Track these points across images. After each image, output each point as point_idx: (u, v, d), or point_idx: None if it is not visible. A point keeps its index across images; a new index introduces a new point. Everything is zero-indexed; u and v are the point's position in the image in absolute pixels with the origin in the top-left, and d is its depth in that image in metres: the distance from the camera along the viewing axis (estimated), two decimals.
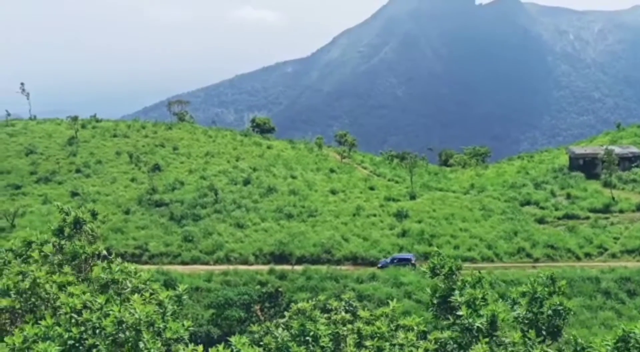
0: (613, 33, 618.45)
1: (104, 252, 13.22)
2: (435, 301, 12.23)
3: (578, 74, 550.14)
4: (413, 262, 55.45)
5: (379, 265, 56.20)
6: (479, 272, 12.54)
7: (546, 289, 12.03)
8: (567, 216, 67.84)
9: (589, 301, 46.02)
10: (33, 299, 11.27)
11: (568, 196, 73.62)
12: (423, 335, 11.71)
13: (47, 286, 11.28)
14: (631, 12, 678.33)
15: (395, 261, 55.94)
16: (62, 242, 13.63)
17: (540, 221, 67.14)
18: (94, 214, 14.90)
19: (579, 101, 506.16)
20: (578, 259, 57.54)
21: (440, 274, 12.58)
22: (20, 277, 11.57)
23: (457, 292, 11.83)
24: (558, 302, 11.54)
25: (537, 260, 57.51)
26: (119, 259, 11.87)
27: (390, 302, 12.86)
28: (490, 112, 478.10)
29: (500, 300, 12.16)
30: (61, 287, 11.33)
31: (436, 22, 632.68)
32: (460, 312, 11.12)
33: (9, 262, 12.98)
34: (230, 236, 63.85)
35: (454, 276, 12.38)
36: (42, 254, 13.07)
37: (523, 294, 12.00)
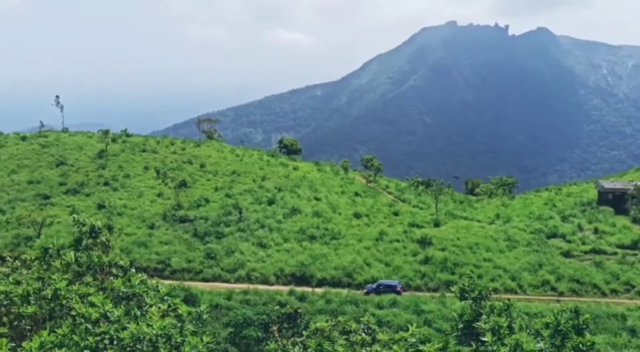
0: None
1: (121, 262, 13.32)
2: (460, 326, 12.02)
3: (610, 108, 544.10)
4: (398, 289, 55.11)
5: (365, 290, 55.80)
6: (508, 300, 12.32)
7: (570, 322, 11.77)
8: (594, 250, 66.56)
9: (614, 339, 44.87)
10: (52, 306, 11.36)
11: (596, 231, 72.34)
12: None
13: (67, 295, 11.36)
14: None
15: (381, 287, 55.59)
16: (79, 254, 13.77)
17: (566, 254, 65.94)
18: (110, 228, 15.03)
19: (610, 136, 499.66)
20: (604, 295, 56.34)
21: (468, 298, 12.39)
22: (39, 283, 11.67)
23: (484, 317, 11.63)
24: (581, 342, 11.24)
25: (561, 294, 56.43)
26: (136, 272, 11.93)
27: (409, 326, 12.71)
28: (520, 144, 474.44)
29: (526, 331, 11.93)
30: (82, 297, 11.41)
31: (468, 52, 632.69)
32: (484, 339, 10.92)
33: (29, 267, 13.11)
34: (253, 255, 63.91)
35: (482, 301, 12.18)
36: (64, 262, 13.19)
37: (546, 326, 11.74)
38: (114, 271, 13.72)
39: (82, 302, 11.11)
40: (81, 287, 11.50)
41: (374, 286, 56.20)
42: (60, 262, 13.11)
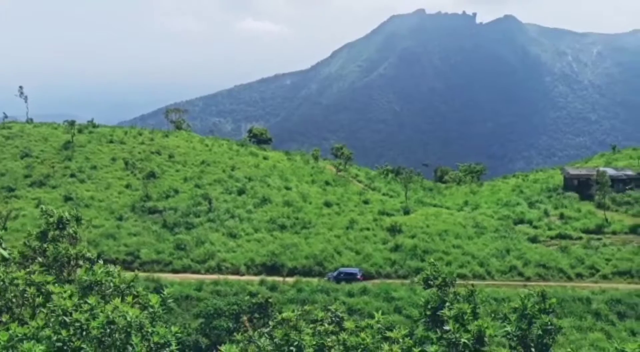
0: (612, 56, 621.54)
1: (88, 254, 13.17)
2: (427, 313, 12.12)
3: (575, 95, 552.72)
4: (358, 277, 55.70)
5: (326, 278, 56.27)
6: (472, 285, 12.46)
7: (536, 306, 11.97)
8: (560, 235, 67.88)
9: (579, 322, 45.92)
10: (9, 297, 11.16)
11: (561, 216, 73.76)
12: (409, 349, 11.61)
13: (23, 285, 11.18)
14: (630, 36, 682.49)
15: (341, 274, 56.11)
16: (45, 245, 13.56)
17: (533, 239, 67.13)
18: (78, 219, 14.85)
19: (576, 122, 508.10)
20: (569, 279, 57.56)
21: (433, 285, 12.50)
22: None
23: (448, 304, 11.75)
24: (548, 321, 11.47)
25: (528, 279, 57.46)
26: (101, 261, 11.81)
27: (375, 313, 12.78)
28: (488, 131, 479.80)
29: (492, 316, 12.09)
30: (39, 287, 11.24)
31: (437, 40, 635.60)
32: (447, 327, 11.04)
33: None
34: (223, 245, 63.71)
35: (447, 288, 12.29)
36: (19, 253, 12.99)
37: (514, 310, 11.91)
38: (80, 263, 13.56)
39: (39, 292, 10.95)
40: (40, 276, 11.33)
41: (335, 273, 56.63)
42: (17, 253, 12.91)
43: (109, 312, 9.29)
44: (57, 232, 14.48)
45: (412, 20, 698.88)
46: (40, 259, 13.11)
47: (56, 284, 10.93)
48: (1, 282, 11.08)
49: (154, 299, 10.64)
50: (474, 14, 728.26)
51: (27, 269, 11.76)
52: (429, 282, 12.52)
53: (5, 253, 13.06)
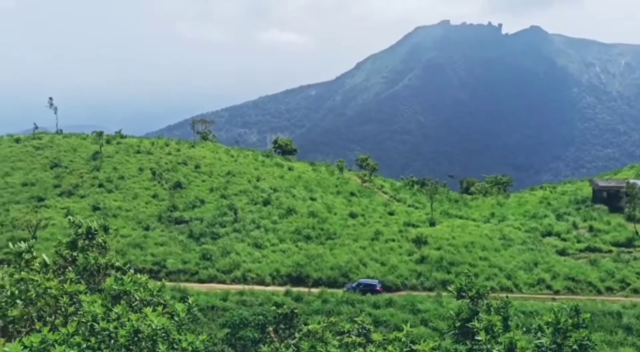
0: None
1: (117, 263, 13.28)
2: (457, 324, 12.02)
3: (604, 106, 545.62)
4: (378, 288, 55.31)
5: (344, 289, 55.92)
6: (507, 297, 12.33)
7: (569, 320, 11.79)
8: (589, 248, 66.79)
9: (610, 336, 45.05)
10: (39, 305, 11.30)
11: (590, 229, 72.57)
12: None
13: (56, 293, 11.30)
14: None
15: (361, 286, 55.70)
16: (75, 254, 13.71)
17: (562, 252, 66.14)
18: (105, 228, 14.99)
19: (604, 134, 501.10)
20: (599, 293, 56.53)
21: (466, 296, 12.40)
22: (22, 285, 11.57)
23: (480, 315, 11.64)
24: (585, 336, 11.29)
25: (557, 292, 56.59)
26: (132, 271, 11.90)
27: (404, 326, 12.69)
28: (514, 142, 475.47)
29: (524, 329, 11.95)
30: (72, 296, 11.35)
31: (462, 51, 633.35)
32: (478, 338, 10.92)
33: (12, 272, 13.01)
34: (248, 255, 63.87)
35: (480, 300, 12.19)
36: (41, 262, 13.13)
37: (547, 324, 11.76)
38: (111, 272, 13.69)
39: (72, 301, 11.06)
40: (71, 285, 11.45)
41: (354, 284, 56.37)
42: (39, 263, 13.06)
43: (134, 321, 9.36)
44: (86, 241, 14.62)
45: (437, 31, 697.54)
46: (71, 268, 13.25)
47: (87, 293, 11.04)
48: (35, 291, 11.23)
49: (179, 307, 10.69)
50: (500, 25, 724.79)
51: (61, 278, 11.90)
52: (462, 293, 12.40)
53: (47, 259, 13.25)
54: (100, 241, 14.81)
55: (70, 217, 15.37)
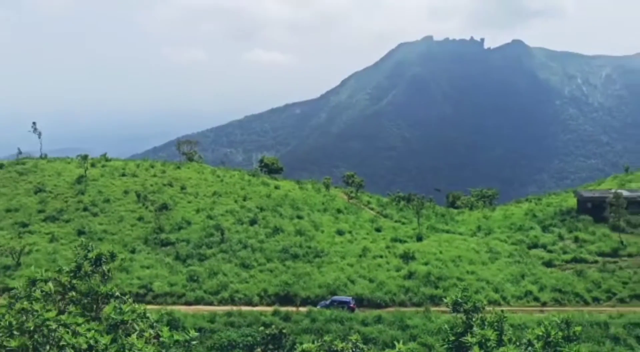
0: (621, 78, 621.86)
1: (117, 293, 13.22)
2: (451, 339, 12.02)
3: (586, 117, 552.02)
4: (351, 305, 55.15)
5: (318, 306, 55.68)
6: (502, 311, 12.36)
7: (560, 333, 11.84)
8: (575, 259, 67.26)
9: (598, 347, 45.17)
10: (36, 337, 11.23)
11: (576, 240, 73.10)
12: None
13: (53, 325, 11.23)
14: (638, 58, 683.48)
15: (334, 303, 55.48)
16: (76, 281, 13.62)
17: (548, 264, 66.53)
18: (112, 255, 14.93)
19: (587, 145, 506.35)
20: (586, 303, 56.83)
21: (461, 310, 12.42)
22: (22, 315, 11.52)
23: (474, 329, 11.65)
24: (576, 350, 11.34)
25: (544, 304, 56.79)
26: (130, 300, 11.84)
27: (396, 343, 12.68)
28: (499, 155, 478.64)
29: (515, 343, 11.97)
30: (69, 327, 11.28)
31: (445, 66, 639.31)
32: None
33: (15, 301, 12.94)
34: (236, 276, 63.54)
35: (475, 314, 12.21)
36: (43, 292, 13.06)
37: (537, 337, 11.79)
38: (111, 301, 13.60)
39: (69, 332, 11.00)
40: (69, 317, 11.39)
41: (327, 302, 56.13)
42: (40, 292, 12.98)
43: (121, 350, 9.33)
44: (91, 268, 14.55)
45: (421, 47, 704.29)
46: (71, 294, 13.18)
47: (82, 325, 10.97)
48: (34, 322, 11.15)
49: (165, 334, 10.62)
50: (482, 40, 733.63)
51: (58, 307, 11.83)
52: (457, 307, 12.44)
53: (52, 287, 13.17)
54: (105, 268, 14.74)
55: (82, 239, 15.35)
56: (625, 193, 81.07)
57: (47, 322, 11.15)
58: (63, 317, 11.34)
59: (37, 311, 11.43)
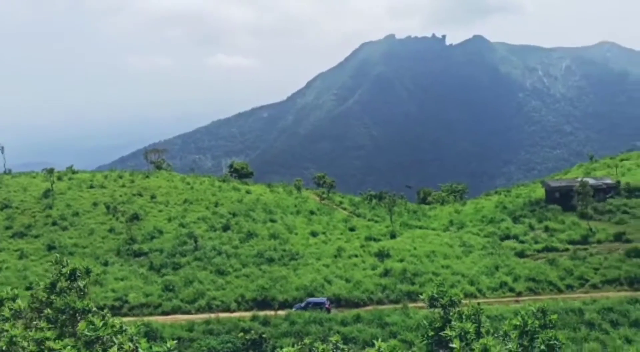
0: (580, 68, 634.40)
1: (94, 308, 13.00)
2: (430, 334, 12.09)
3: (549, 109, 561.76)
4: (327, 306, 55.28)
5: (294, 309, 55.70)
6: (478, 304, 12.49)
7: (537, 322, 12.01)
8: (546, 248, 68.36)
9: (573, 333, 45.92)
10: None
11: (546, 229, 74.31)
12: None
13: (24, 343, 11.00)
14: (596, 48, 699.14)
15: (310, 305, 55.58)
16: (52, 297, 13.38)
17: (521, 254, 67.49)
18: (88, 271, 14.70)
19: (551, 135, 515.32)
20: (560, 291, 57.77)
21: (438, 305, 12.51)
22: None
23: (453, 323, 11.75)
24: (552, 336, 11.51)
25: (519, 294, 57.58)
26: (109, 314, 11.66)
27: (375, 342, 12.71)
28: (466, 150, 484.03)
29: (493, 334, 12.10)
30: (39, 343, 11.06)
31: (408, 64, 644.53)
32: (452, 345, 11.03)
33: None
34: (212, 283, 63.06)
35: (452, 308, 12.30)
36: (12, 310, 12.81)
37: (514, 327, 11.93)
38: (88, 316, 13.36)
39: (40, 349, 10.77)
40: (38, 332, 11.17)
41: (303, 304, 56.07)
42: (9, 309, 12.74)
43: None
44: (66, 283, 14.29)
45: (383, 47, 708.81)
46: (47, 311, 12.93)
47: (57, 340, 10.75)
48: (4, 343, 10.90)
49: (143, 346, 10.46)
50: (443, 36, 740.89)
51: (32, 325, 11.61)
52: (434, 302, 12.53)
53: (21, 304, 12.92)
54: (80, 284, 14.50)
55: (57, 254, 15.09)
56: (591, 181, 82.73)
57: (15, 339, 10.93)
58: (31, 333, 11.13)
59: (6, 330, 11.20)
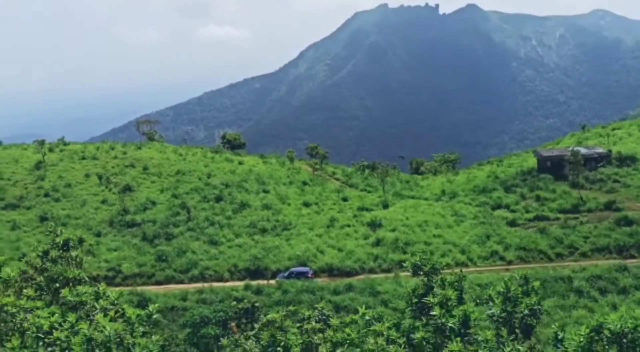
0: (574, 37, 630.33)
1: (86, 278, 13.04)
2: (414, 301, 12.25)
3: (542, 78, 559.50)
4: (309, 275, 55.90)
5: (277, 278, 56.30)
6: (461, 271, 12.62)
7: (520, 288, 12.16)
8: (537, 217, 68.83)
9: (562, 301, 46.54)
10: None
11: (537, 198, 74.73)
12: (394, 341, 11.68)
13: (13, 310, 11.06)
14: (590, 16, 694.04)
15: (293, 274, 56.17)
16: (46, 264, 13.42)
17: (512, 223, 67.97)
18: (81, 241, 14.72)
19: (545, 105, 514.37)
20: (550, 259, 58.35)
21: (421, 273, 12.64)
22: None
23: (435, 290, 11.90)
24: (534, 302, 11.67)
25: (510, 262, 58.16)
26: (104, 284, 11.72)
27: (359, 308, 12.83)
28: (459, 120, 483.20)
29: (477, 301, 12.26)
30: (29, 311, 11.12)
31: (402, 33, 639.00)
32: (433, 312, 11.17)
33: None
34: (205, 253, 63.38)
35: (434, 276, 12.44)
36: (1, 279, 12.85)
37: (498, 294, 12.09)
38: (81, 285, 13.42)
39: (30, 315, 10.84)
40: (28, 301, 11.23)
41: (286, 274, 56.68)
42: (18, 271, 12.81)
43: (85, 330, 9.21)
44: (59, 252, 14.31)
45: (376, 16, 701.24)
46: (38, 279, 12.97)
47: (46, 308, 10.81)
48: None
49: (130, 311, 10.56)
50: (437, 5, 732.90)
51: (22, 294, 11.65)
52: (417, 270, 12.67)
53: (10, 273, 12.95)
54: (73, 254, 14.52)
55: (51, 222, 15.12)
56: (582, 150, 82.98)
57: (6, 308, 10.98)
58: (21, 301, 11.19)
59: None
